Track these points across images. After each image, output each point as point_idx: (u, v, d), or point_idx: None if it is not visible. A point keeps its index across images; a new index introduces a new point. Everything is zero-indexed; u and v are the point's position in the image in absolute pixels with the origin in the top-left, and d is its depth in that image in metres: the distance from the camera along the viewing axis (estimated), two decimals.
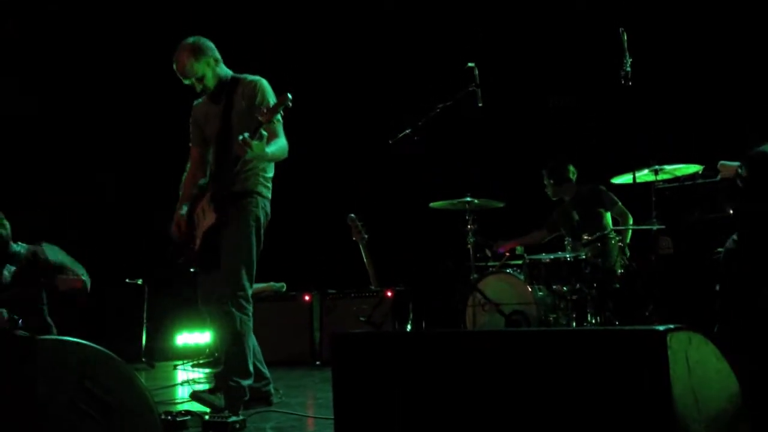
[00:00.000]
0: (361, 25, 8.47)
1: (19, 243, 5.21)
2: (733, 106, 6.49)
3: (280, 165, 4.39)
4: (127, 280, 7.90)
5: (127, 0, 8.40)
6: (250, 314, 4.18)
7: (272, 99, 4.17)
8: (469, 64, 5.21)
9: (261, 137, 3.85)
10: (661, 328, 1.92)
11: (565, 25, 7.40)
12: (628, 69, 5.12)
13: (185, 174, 4.52)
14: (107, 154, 8.54)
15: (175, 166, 4.76)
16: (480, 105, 5.14)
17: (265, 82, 4.31)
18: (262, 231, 4.29)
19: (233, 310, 4.10)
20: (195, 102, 4.52)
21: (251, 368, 4.17)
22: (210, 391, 4.12)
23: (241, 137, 3.79)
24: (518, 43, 7.70)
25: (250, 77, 4.33)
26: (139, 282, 7.89)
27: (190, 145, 4.52)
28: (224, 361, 4.19)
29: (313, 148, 8.51)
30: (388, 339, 2.85)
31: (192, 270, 4.37)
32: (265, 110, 3.84)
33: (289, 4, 8.75)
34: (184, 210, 4.35)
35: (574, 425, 2.08)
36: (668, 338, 1.90)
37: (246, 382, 4.13)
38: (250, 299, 4.19)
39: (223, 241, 4.16)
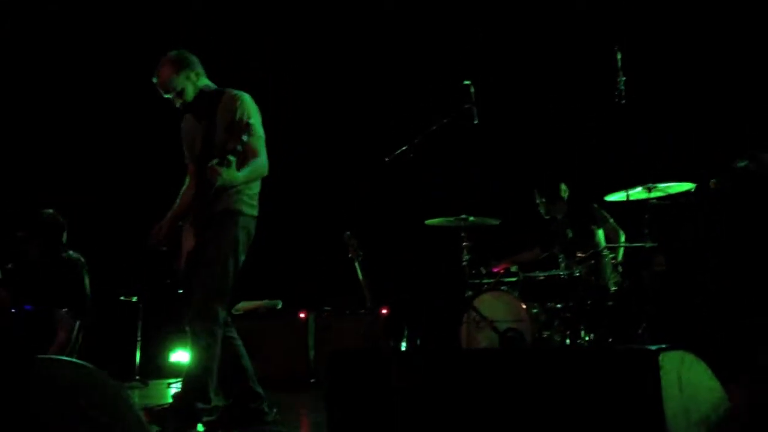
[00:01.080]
0: (359, 42, 8.52)
1: None
2: (725, 125, 6.53)
3: (275, 183, 4.39)
4: (121, 298, 7.89)
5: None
6: (218, 338, 4.04)
7: (254, 115, 4.16)
8: (465, 82, 5.23)
9: (229, 163, 3.84)
10: (654, 347, 1.94)
11: (561, 43, 7.45)
12: (622, 87, 5.16)
13: (183, 188, 4.52)
14: (104, 168, 8.55)
15: (172, 182, 4.76)
16: (476, 122, 5.16)
17: (247, 98, 4.25)
18: (242, 250, 4.19)
19: (199, 332, 3.98)
20: (184, 118, 4.51)
21: (211, 394, 3.99)
22: (165, 409, 4.00)
23: (210, 164, 3.80)
24: (514, 61, 7.74)
25: (234, 92, 4.27)
26: (134, 299, 7.88)
27: (186, 162, 4.52)
28: (183, 381, 4.08)
29: (310, 165, 8.53)
30: (382, 356, 2.85)
31: (179, 291, 4.33)
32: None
33: (287, 19, 8.79)
34: (168, 217, 4.34)
35: None
36: (660, 358, 1.91)
37: (201, 406, 3.95)
38: (221, 323, 4.06)
39: (199, 263, 4.11)
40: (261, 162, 4.14)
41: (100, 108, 8.57)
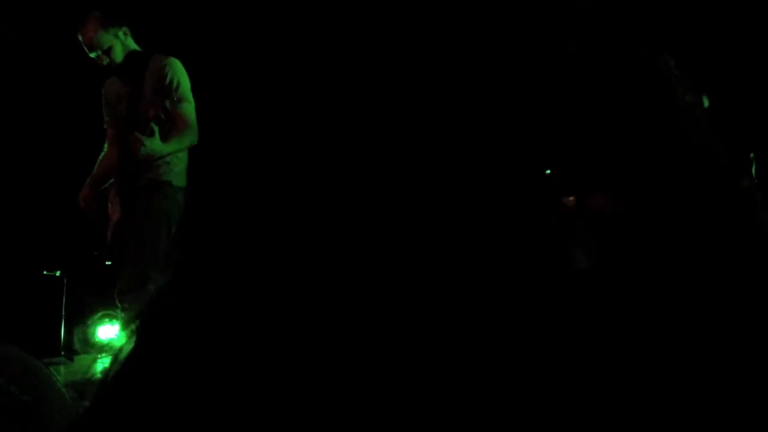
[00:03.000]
0: None
1: None
2: None
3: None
4: (44, 272, 7.68)
5: None
6: None
7: (183, 80, 4.02)
8: None
9: (152, 132, 3.72)
10: None
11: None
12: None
13: (102, 154, 4.34)
14: (18, 132, 8.26)
15: (92, 147, 4.60)
16: None
17: (177, 62, 4.09)
18: (173, 223, 4.08)
19: (130, 306, 3.92)
20: (107, 81, 4.33)
21: None
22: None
23: (132, 135, 3.68)
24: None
25: (162, 56, 4.11)
26: (57, 274, 7.68)
27: (105, 126, 4.33)
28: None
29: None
30: None
31: (107, 263, 4.24)
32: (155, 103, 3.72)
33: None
34: (87, 183, 4.19)
35: None
36: None
37: None
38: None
39: (127, 236, 4.00)
40: (192, 131, 4.01)
41: (15, 70, 8.26)
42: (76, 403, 2.17)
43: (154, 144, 3.68)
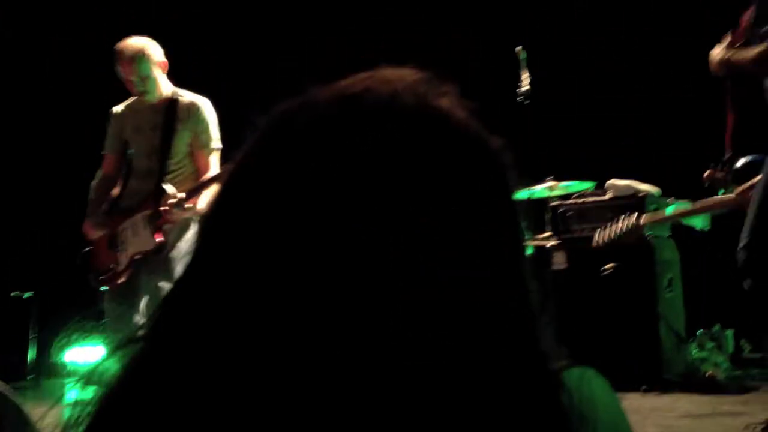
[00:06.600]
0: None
1: None
2: (624, 126, 6.74)
3: None
4: (13, 294, 7.56)
5: None
6: None
7: (213, 132, 3.96)
8: None
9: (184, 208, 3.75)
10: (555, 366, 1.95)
11: (464, 42, 7.52)
12: (527, 87, 5.24)
13: (95, 181, 4.21)
14: None
15: (73, 162, 4.45)
16: None
17: (206, 107, 4.01)
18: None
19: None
20: (117, 109, 4.17)
21: None
22: None
23: (172, 199, 3.68)
24: (420, 58, 7.76)
25: (191, 96, 4.02)
26: (26, 296, 7.56)
27: (105, 152, 4.19)
28: None
29: None
30: None
31: (101, 288, 4.08)
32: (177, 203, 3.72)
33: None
34: (97, 218, 4.06)
35: None
36: (563, 376, 1.93)
37: None
38: None
39: (156, 270, 3.81)
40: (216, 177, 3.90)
41: None
42: (40, 429, 2.13)
43: (192, 209, 3.69)
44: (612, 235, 3.65)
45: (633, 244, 3.91)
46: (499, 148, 0.73)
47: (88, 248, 4.10)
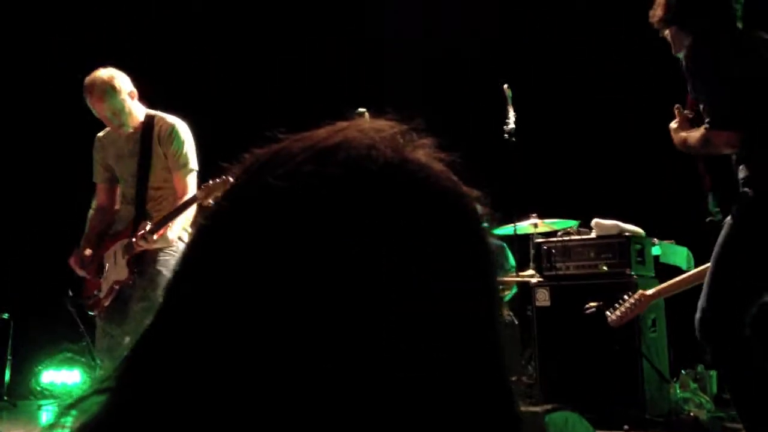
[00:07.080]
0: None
1: None
2: (609, 166, 6.78)
3: None
4: None
5: None
6: None
7: (189, 154, 3.92)
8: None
9: (160, 236, 3.70)
10: (538, 409, 1.94)
11: (450, 78, 7.57)
12: (512, 125, 5.27)
13: (91, 211, 4.18)
14: None
15: (52, 185, 4.43)
16: None
17: (182, 129, 3.97)
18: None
19: None
20: (100, 134, 4.15)
21: None
22: None
23: (141, 231, 3.64)
24: (408, 96, 7.81)
25: (166, 119, 3.98)
26: (3, 317, 7.47)
27: (95, 181, 4.18)
28: None
29: None
30: None
31: (91, 313, 4.05)
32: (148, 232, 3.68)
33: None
34: (87, 251, 4.02)
35: None
36: (546, 420, 1.92)
37: None
38: None
39: (136, 296, 3.80)
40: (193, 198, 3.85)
41: None
42: None
43: (164, 239, 3.68)
44: (625, 315, 3.73)
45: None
46: (473, 201, 0.74)
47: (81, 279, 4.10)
